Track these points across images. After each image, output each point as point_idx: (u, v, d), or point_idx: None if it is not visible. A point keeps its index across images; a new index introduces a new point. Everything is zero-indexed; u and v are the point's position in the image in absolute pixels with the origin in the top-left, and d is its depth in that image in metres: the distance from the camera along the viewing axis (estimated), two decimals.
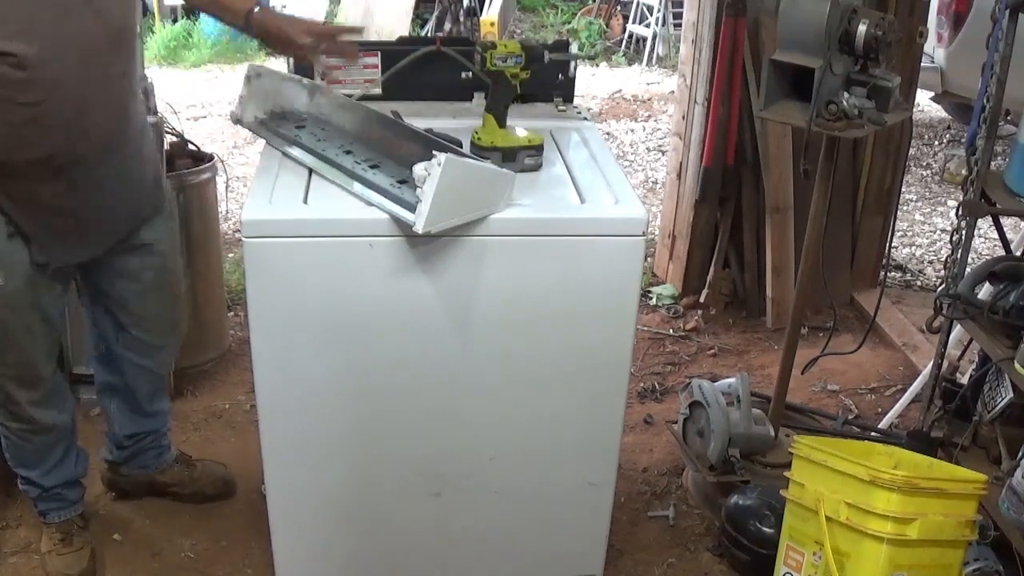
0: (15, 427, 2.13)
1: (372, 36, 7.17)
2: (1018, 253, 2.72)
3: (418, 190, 1.69)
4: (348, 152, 1.94)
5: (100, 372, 2.33)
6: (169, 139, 2.85)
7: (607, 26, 8.62)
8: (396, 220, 1.71)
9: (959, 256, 2.40)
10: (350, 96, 2.23)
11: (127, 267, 2.09)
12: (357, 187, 1.80)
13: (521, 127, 1.98)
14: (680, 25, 6.46)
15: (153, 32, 7.58)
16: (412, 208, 1.69)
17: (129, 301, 2.15)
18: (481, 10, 7.49)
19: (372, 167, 1.88)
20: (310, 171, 1.89)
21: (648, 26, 8.13)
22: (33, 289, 1.94)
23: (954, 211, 2.75)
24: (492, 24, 7.15)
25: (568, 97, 2.33)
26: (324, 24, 1.88)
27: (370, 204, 1.75)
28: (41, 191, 1.84)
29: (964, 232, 2.39)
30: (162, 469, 2.46)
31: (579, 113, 2.30)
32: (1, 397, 2.08)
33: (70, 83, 1.74)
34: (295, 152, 1.94)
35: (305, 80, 2.13)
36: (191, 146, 2.94)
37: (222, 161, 1.89)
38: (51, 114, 1.74)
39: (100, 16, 1.76)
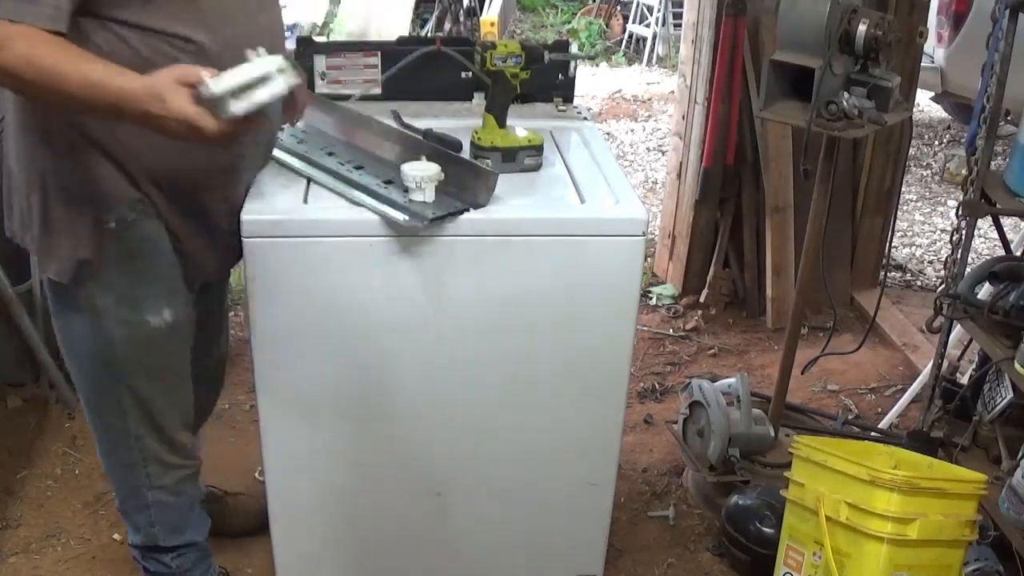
0: (169, 483, 1.91)
1: (372, 36, 7.18)
2: (1018, 253, 2.72)
3: (409, 191, 1.71)
4: (331, 154, 1.94)
5: None
6: None
7: (607, 26, 8.62)
8: (387, 221, 1.71)
9: (959, 256, 2.40)
10: (348, 97, 2.23)
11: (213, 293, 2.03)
12: (345, 189, 1.80)
13: (521, 127, 1.98)
14: (680, 25, 6.47)
15: None
16: (401, 209, 1.70)
17: (205, 328, 2.01)
18: (481, 10, 7.48)
19: (356, 168, 1.88)
20: None
21: (648, 26, 8.14)
22: (190, 317, 1.81)
23: (954, 211, 2.75)
24: (492, 24, 7.13)
25: (568, 97, 2.33)
26: (301, 87, 1.84)
27: (358, 205, 1.75)
28: (213, 202, 1.72)
29: (964, 232, 2.39)
30: None
31: (579, 113, 2.29)
32: (164, 448, 1.86)
33: None
34: (281, 156, 1.93)
35: None
36: None
37: None
38: None
39: (268, 12, 1.71)
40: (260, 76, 1.41)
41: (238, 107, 1.39)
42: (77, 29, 1.47)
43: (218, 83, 1.38)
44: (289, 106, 1.80)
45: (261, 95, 1.41)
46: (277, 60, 1.45)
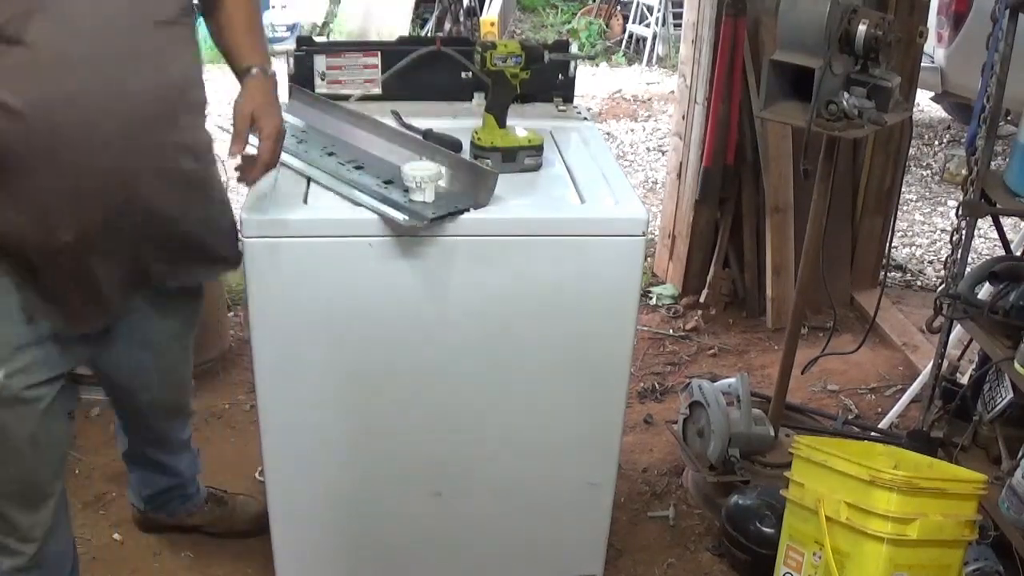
0: (8, 566, 1.76)
1: (372, 36, 7.18)
2: (1018, 253, 2.72)
3: (410, 191, 1.71)
4: (331, 154, 1.94)
5: (123, 441, 2.21)
6: None
7: (607, 26, 8.63)
8: (387, 221, 1.70)
9: (959, 256, 2.40)
10: (348, 97, 2.23)
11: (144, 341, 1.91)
12: (345, 189, 1.80)
13: (521, 127, 1.98)
14: (680, 25, 6.47)
15: None
16: (401, 208, 1.70)
17: (138, 389, 2.01)
18: (481, 10, 7.49)
19: (356, 168, 1.88)
20: None
21: (648, 26, 8.14)
22: (43, 387, 1.67)
23: (954, 211, 2.75)
24: (492, 24, 7.14)
25: (568, 97, 2.33)
26: (263, 141, 1.71)
27: (358, 205, 1.75)
28: (80, 265, 1.60)
29: (964, 232, 2.39)
30: (191, 513, 2.32)
31: (579, 113, 2.29)
32: None
33: (108, 157, 1.52)
34: (281, 156, 1.92)
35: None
36: None
37: (221, 161, 1.87)
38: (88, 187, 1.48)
39: (144, 75, 1.53)
40: None
41: None
42: None
43: None
44: (248, 168, 1.73)
45: None
46: None
